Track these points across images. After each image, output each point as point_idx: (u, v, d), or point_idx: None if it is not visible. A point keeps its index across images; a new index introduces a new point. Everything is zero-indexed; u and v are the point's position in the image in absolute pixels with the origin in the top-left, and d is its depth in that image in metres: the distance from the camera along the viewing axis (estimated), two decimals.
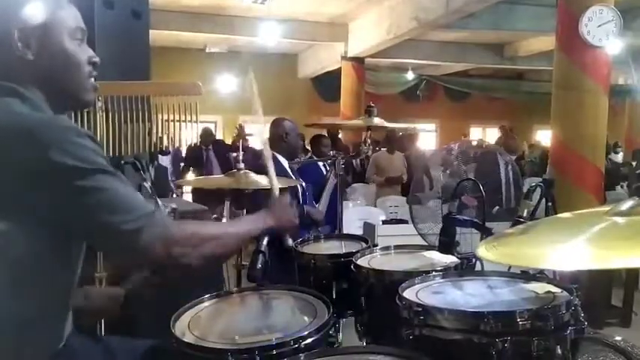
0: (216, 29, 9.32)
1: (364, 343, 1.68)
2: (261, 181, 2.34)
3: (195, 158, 7.57)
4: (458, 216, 1.70)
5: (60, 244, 1.12)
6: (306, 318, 1.37)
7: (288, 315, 1.45)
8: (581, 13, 4.69)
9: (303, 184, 3.28)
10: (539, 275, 1.45)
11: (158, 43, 8.79)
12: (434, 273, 1.55)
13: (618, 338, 1.24)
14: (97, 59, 1.23)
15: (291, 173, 3.31)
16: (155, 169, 6.14)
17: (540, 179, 4.06)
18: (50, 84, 1.17)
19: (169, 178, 7.01)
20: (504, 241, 1.16)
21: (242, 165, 2.33)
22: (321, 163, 4.17)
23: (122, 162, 2.40)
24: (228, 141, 9.38)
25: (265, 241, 1.70)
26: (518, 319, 1.14)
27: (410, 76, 12.86)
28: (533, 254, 1.02)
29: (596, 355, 1.40)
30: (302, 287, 1.60)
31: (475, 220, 1.73)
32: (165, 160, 7.31)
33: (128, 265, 1.47)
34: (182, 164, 7.92)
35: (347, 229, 3.65)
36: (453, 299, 1.35)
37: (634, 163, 8.54)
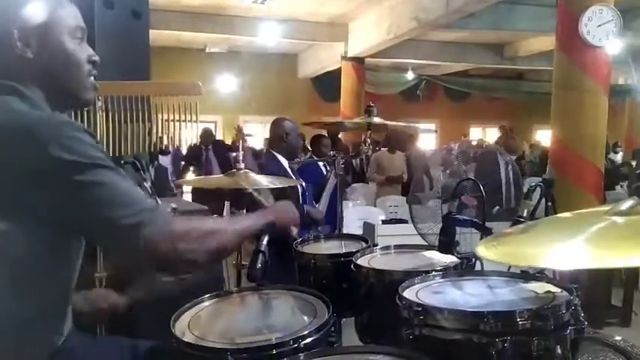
0: (216, 29, 9.32)
1: (364, 343, 1.68)
2: (261, 181, 2.34)
3: (195, 158, 7.57)
4: (458, 216, 1.70)
5: (60, 244, 1.12)
6: (305, 318, 1.37)
7: (288, 315, 1.45)
8: (581, 13, 4.69)
9: (303, 184, 3.28)
10: (538, 275, 1.45)
11: (158, 43, 8.79)
12: (434, 273, 1.54)
13: (618, 338, 1.24)
14: (96, 58, 1.23)
15: (291, 173, 3.31)
16: (155, 169, 6.14)
17: (540, 179, 4.06)
18: (50, 83, 1.17)
19: (169, 178, 7.01)
20: (504, 241, 1.16)
21: (242, 165, 2.33)
22: (321, 163, 4.17)
23: (122, 162, 2.40)
24: (228, 141, 9.38)
25: (265, 240, 1.70)
26: (518, 319, 1.14)
27: (410, 76, 12.87)
28: (533, 253, 1.02)
29: (596, 355, 1.40)
30: (302, 287, 1.60)
31: (475, 219, 1.73)
32: (165, 160, 7.31)
33: (129, 262, 1.46)
34: (182, 163, 7.92)
35: (347, 229, 3.65)
36: (452, 299, 1.35)
37: (633, 163, 8.53)
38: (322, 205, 3.44)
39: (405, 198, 5.48)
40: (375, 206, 5.84)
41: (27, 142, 1.03)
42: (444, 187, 2.31)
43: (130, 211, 1.04)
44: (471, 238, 1.79)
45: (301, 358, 1.16)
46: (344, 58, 10.08)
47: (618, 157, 9.75)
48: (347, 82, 10.27)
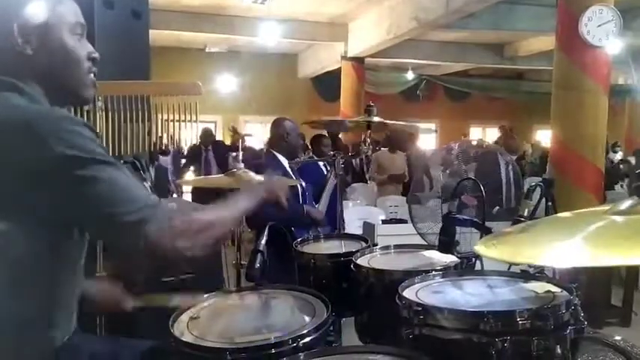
0: (216, 29, 9.33)
1: (364, 343, 1.68)
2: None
3: (195, 158, 7.57)
4: (458, 215, 1.70)
5: (60, 244, 1.12)
6: (305, 317, 1.37)
7: (287, 314, 1.45)
8: (581, 13, 4.69)
9: (303, 183, 3.28)
10: (538, 275, 1.45)
11: (158, 43, 8.79)
12: (434, 272, 1.54)
13: (618, 338, 1.24)
14: (96, 55, 1.22)
15: (291, 173, 3.31)
16: (155, 169, 6.15)
17: (540, 179, 4.06)
18: (50, 79, 1.17)
19: (169, 178, 7.02)
20: (504, 239, 1.16)
21: (242, 165, 2.33)
22: (321, 163, 4.17)
23: (122, 162, 2.40)
24: (228, 141, 9.39)
25: (264, 240, 1.70)
26: (518, 319, 1.14)
27: (410, 75, 12.87)
28: (533, 252, 1.02)
29: (596, 355, 1.40)
30: (301, 287, 1.60)
31: (475, 219, 1.73)
32: (165, 160, 7.32)
33: (130, 258, 1.46)
34: (183, 161, 7.93)
35: (347, 229, 3.65)
36: (452, 299, 1.35)
37: (632, 160, 8.52)
38: (322, 206, 3.44)
39: (405, 198, 5.47)
40: (375, 206, 5.84)
41: (26, 136, 1.03)
42: (444, 187, 2.31)
43: (132, 207, 1.04)
44: (471, 238, 1.79)
45: (301, 357, 1.16)
46: (344, 58, 10.08)
47: (617, 157, 9.74)
48: (347, 82, 10.27)
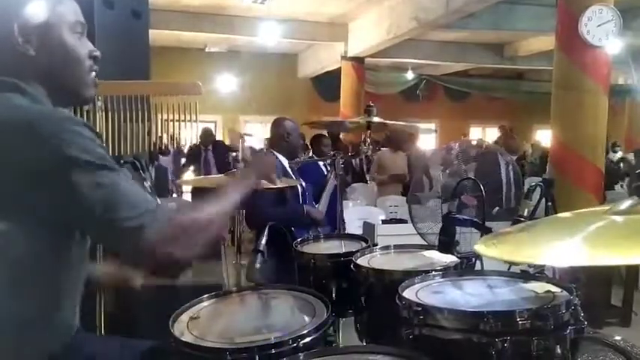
0: (216, 29, 9.33)
1: (364, 343, 1.68)
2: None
3: (195, 158, 7.58)
4: (458, 215, 1.70)
5: (60, 244, 1.12)
6: (305, 317, 1.37)
7: (287, 314, 1.45)
8: (580, 13, 4.69)
9: (303, 183, 3.28)
10: (538, 275, 1.45)
11: (158, 43, 8.79)
12: (434, 272, 1.54)
13: (618, 338, 1.24)
14: (97, 53, 1.22)
15: (291, 173, 3.31)
16: (155, 169, 6.15)
17: (540, 179, 4.06)
18: (51, 79, 1.17)
19: (169, 178, 7.02)
20: (504, 239, 1.16)
21: (242, 165, 2.33)
22: (321, 163, 4.17)
23: (121, 161, 2.40)
24: (228, 141, 9.39)
25: (264, 240, 1.70)
26: (518, 319, 1.14)
27: (410, 75, 12.87)
28: (533, 252, 1.02)
29: (596, 355, 1.40)
30: (301, 287, 1.60)
31: (475, 219, 1.73)
32: (165, 160, 7.32)
33: (129, 263, 1.46)
34: (183, 160, 7.94)
35: (347, 229, 3.65)
36: (452, 299, 1.35)
37: (630, 157, 8.50)
38: (322, 206, 3.44)
39: (405, 198, 5.47)
40: (375, 206, 5.84)
41: (27, 136, 1.03)
42: (444, 187, 2.31)
43: (132, 213, 1.03)
44: (471, 238, 1.79)
45: (300, 357, 1.16)
46: (344, 57, 10.08)
47: (617, 157, 9.73)
48: (347, 82, 10.27)
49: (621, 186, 7.10)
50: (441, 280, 1.50)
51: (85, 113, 2.23)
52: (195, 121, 2.45)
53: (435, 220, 2.11)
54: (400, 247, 1.96)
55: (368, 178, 7.23)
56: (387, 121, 3.85)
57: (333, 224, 3.43)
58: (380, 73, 12.31)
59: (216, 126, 11.05)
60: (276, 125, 3.47)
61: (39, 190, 1.03)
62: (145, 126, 2.40)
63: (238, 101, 11.70)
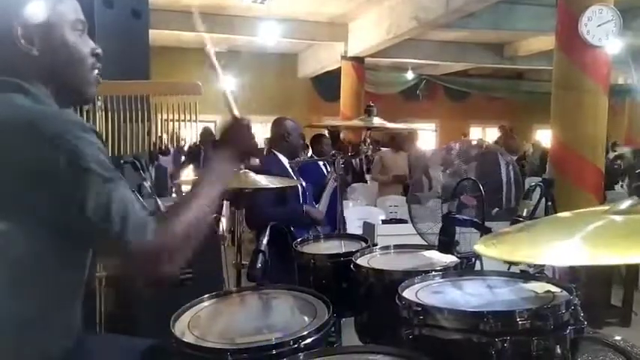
0: (216, 29, 9.30)
1: (364, 343, 1.68)
2: (261, 180, 2.34)
3: (194, 157, 7.58)
4: (457, 215, 1.70)
5: (60, 244, 1.11)
6: (305, 318, 1.37)
7: (287, 315, 1.45)
8: (580, 13, 4.68)
9: (304, 183, 3.28)
10: (538, 275, 1.45)
11: (158, 43, 8.79)
12: (433, 273, 1.55)
13: (618, 338, 1.24)
14: (99, 50, 1.22)
15: (291, 173, 3.31)
16: (155, 169, 6.15)
17: (540, 179, 4.05)
18: (54, 78, 1.17)
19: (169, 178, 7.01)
20: (503, 239, 1.16)
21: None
22: (321, 163, 4.17)
23: (122, 162, 2.40)
24: None
25: (265, 240, 1.70)
26: (518, 319, 1.14)
27: (410, 75, 12.87)
28: (532, 251, 1.02)
29: (596, 355, 1.40)
30: (302, 287, 1.60)
31: (475, 219, 1.73)
32: (165, 160, 7.31)
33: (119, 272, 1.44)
34: (183, 158, 7.94)
35: (347, 229, 3.65)
36: (452, 299, 1.35)
37: (626, 151, 8.45)
38: (322, 206, 3.44)
39: (405, 198, 5.47)
40: (375, 206, 5.84)
41: (28, 135, 1.02)
42: (444, 187, 2.31)
43: (124, 226, 1.02)
44: (471, 238, 1.79)
45: (300, 357, 1.16)
46: (344, 57, 10.08)
47: (613, 155, 9.69)
48: (347, 82, 10.27)
49: (621, 186, 7.09)
50: (441, 280, 1.50)
51: (85, 113, 2.23)
52: (195, 120, 2.45)
53: (435, 220, 2.12)
54: (400, 247, 1.96)
55: (368, 178, 7.23)
56: (386, 124, 3.85)
57: (333, 224, 3.43)
58: (380, 73, 12.31)
59: (216, 126, 11.04)
60: (277, 125, 3.47)
61: (39, 190, 1.02)
62: (145, 126, 2.40)
63: (238, 101, 11.68)
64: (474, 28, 8.66)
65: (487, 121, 13.91)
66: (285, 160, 3.31)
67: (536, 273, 1.47)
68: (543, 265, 1.45)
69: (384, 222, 4.67)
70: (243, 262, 2.23)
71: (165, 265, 1.06)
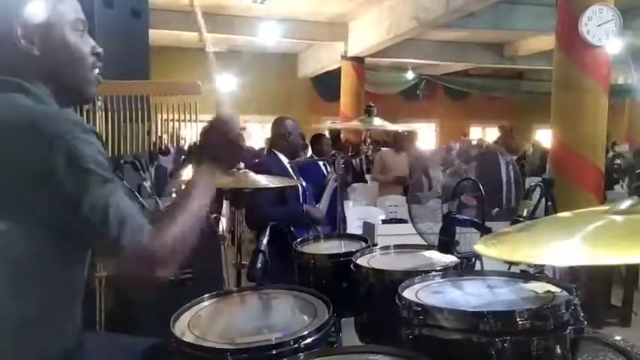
0: (216, 29, 9.30)
1: (364, 343, 1.68)
2: (261, 180, 2.34)
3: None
4: (458, 215, 1.70)
5: (60, 244, 1.11)
6: (306, 318, 1.37)
7: (288, 315, 1.45)
8: (580, 13, 4.68)
9: (304, 183, 3.28)
10: (538, 275, 1.45)
11: (158, 43, 8.78)
12: (433, 272, 1.55)
13: (618, 338, 1.24)
14: (100, 50, 1.22)
15: (292, 173, 3.31)
16: (155, 169, 6.15)
17: (540, 179, 4.05)
18: (55, 78, 1.17)
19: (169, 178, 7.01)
20: (503, 239, 1.16)
21: (241, 164, 2.33)
22: (321, 163, 4.17)
23: (122, 162, 2.40)
24: None
25: (265, 240, 1.70)
26: (518, 319, 1.15)
27: (410, 75, 12.87)
28: (532, 251, 1.02)
29: (596, 355, 1.40)
30: (302, 287, 1.60)
31: (475, 219, 1.73)
32: (165, 160, 7.31)
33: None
34: (183, 157, 7.93)
35: (347, 229, 3.65)
36: (452, 299, 1.35)
37: (624, 150, 8.43)
38: (322, 205, 3.45)
39: (405, 198, 5.47)
40: (375, 206, 5.84)
41: (28, 135, 1.02)
42: (444, 187, 2.32)
43: (120, 231, 1.02)
44: (471, 238, 1.79)
45: (300, 357, 1.16)
46: (344, 57, 10.08)
47: (612, 154, 9.68)
48: (347, 82, 10.27)
49: (621, 186, 7.09)
50: (441, 280, 1.50)
51: (85, 113, 2.23)
52: (195, 120, 2.45)
53: (435, 220, 2.12)
54: (400, 247, 1.96)
55: (368, 178, 7.23)
56: (386, 124, 3.86)
57: (333, 224, 3.43)
58: (380, 73, 12.31)
59: None
60: (277, 125, 3.47)
61: (39, 190, 1.02)
62: (144, 126, 2.39)
63: (238, 101, 11.70)
64: (474, 28, 8.65)
65: (487, 121, 13.91)
66: (285, 160, 3.31)
67: (536, 273, 1.47)
68: (543, 265, 1.45)
69: (384, 222, 4.67)
70: (243, 262, 2.23)
71: (160, 270, 1.05)
